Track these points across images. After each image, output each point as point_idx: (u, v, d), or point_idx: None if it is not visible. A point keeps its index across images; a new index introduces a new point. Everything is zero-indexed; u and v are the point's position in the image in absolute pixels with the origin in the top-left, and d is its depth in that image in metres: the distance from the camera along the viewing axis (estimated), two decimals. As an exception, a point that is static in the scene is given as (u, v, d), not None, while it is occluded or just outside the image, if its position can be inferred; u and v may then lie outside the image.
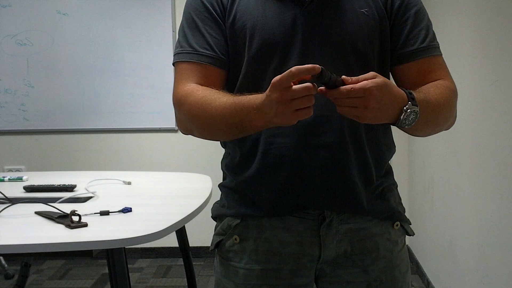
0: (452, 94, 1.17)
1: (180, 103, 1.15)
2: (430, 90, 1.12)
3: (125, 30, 3.76)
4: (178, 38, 1.22)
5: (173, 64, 1.22)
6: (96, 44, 3.77)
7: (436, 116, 1.12)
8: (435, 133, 1.21)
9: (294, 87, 0.93)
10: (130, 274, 1.98)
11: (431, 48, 1.19)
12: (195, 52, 1.17)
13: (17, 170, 3.73)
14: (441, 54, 1.22)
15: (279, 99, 0.94)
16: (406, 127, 1.04)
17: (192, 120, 1.14)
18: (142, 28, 3.76)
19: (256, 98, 1.01)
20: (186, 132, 1.19)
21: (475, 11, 2.31)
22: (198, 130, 1.15)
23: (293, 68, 0.92)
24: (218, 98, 1.08)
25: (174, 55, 1.22)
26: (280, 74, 0.96)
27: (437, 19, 2.79)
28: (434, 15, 2.81)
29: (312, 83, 0.94)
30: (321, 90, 0.97)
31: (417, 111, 1.03)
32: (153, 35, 3.76)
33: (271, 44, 1.14)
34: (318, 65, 0.92)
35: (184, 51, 1.19)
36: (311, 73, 0.91)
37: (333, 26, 1.15)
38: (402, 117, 1.02)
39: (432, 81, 1.17)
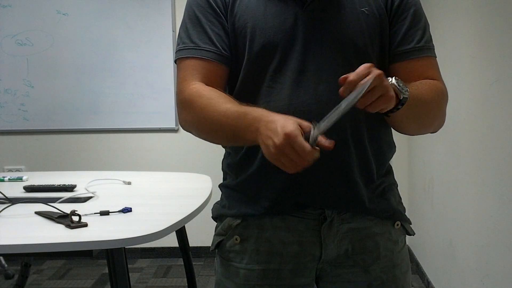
0: (442, 95, 1.18)
1: (185, 104, 1.15)
2: (421, 86, 1.13)
3: (125, 30, 3.76)
4: (180, 35, 1.21)
5: (175, 62, 1.21)
6: (96, 44, 3.76)
7: (424, 108, 1.13)
8: (423, 132, 1.23)
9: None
10: (130, 274, 1.98)
11: (426, 48, 1.20)
12: (198, 48, 1.17)
13: (17, 170, 3.73)
14: (435, 57, 1.22)
15: (278, 146, 0.95)
16: (406, 94, 1.04)
17: (193, 123, 1.15)
18: (142, 28, 3.75)
19: (260, 118, 1.02)
20: (186, 129, 1.20)
21: (475, 11, 2.31)
22: (197, 133, 1.17)
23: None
24: (221, 104, 1.09)
25: (176, 52, 1.21)
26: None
27: (437, 19, 2.79)
28: (434, 15, 2.81)
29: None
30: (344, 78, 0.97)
31: (397, 78, 1.04)
32: (153, 35, 3.76)
33: (272, 44, 1.14)
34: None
35: (187, 47, 1.18)
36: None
37: (334, 25, 1.15)
38: (397, 87, 1.02)
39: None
